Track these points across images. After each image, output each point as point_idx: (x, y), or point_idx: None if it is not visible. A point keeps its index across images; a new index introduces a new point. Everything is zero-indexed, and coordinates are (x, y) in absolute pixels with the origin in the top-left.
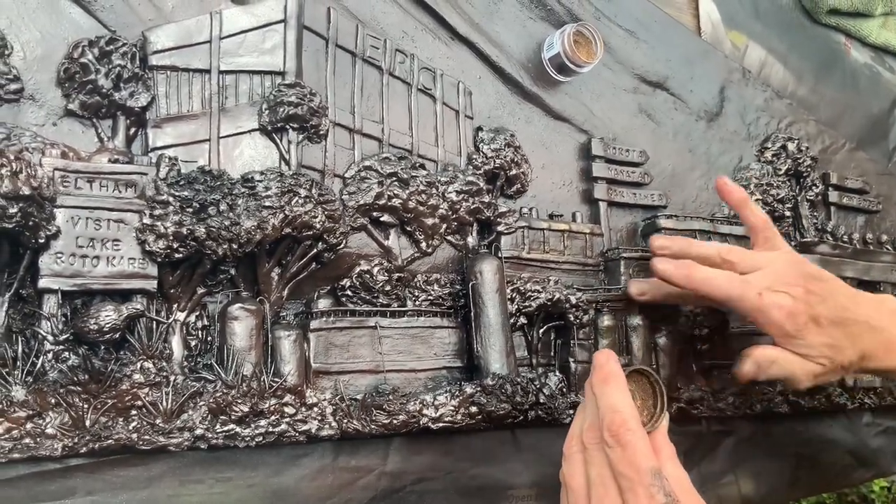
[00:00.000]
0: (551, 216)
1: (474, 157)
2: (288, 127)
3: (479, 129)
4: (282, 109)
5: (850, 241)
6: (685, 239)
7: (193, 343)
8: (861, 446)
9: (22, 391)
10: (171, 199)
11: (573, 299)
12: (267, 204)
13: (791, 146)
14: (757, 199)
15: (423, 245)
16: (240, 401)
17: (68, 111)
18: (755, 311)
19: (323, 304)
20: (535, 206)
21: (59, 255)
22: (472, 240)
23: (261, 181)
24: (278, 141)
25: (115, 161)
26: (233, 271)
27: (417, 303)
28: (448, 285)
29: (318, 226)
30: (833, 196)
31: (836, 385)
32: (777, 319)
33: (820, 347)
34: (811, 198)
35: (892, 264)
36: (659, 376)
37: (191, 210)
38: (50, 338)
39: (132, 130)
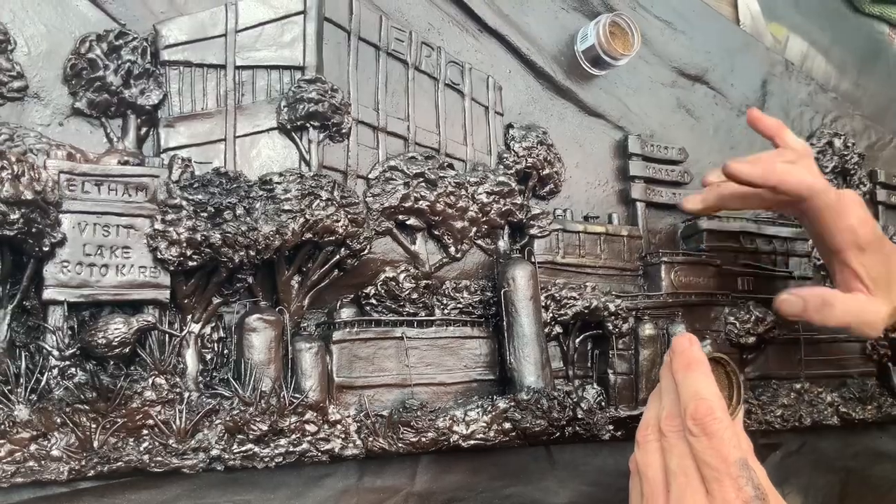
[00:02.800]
0: (586, 218)
1: (505, 155)
2: (308, 125)
3: (510, 126)
4: (301, 106)
5: None
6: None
7: (209, 357)
8: None
9: (25, 410)
10: (184, 202)
11: (612, 307)
12: (286, 207)
13: (837, 142)
14: None
15: (452, 250)
16: (258, 419)
17: (75, 110)
18: (834, 204)
19: (346, 313)
20: (569, 208)
21: (65, 263)
22: (503, 244)
23: (279, 183)
24: (298, 140)
25: (125, 163)
26: (250, 280)
27: (446, 311)
28: (478, 292)
29: (340, 230)
30: (881, 194)
31: (886, 395)
32: (852, 221)
33: (877, 267)
34: None
35: None
36: (735, 367)
37: (205, 215)
38: (55, 352)
39: (143, 130)
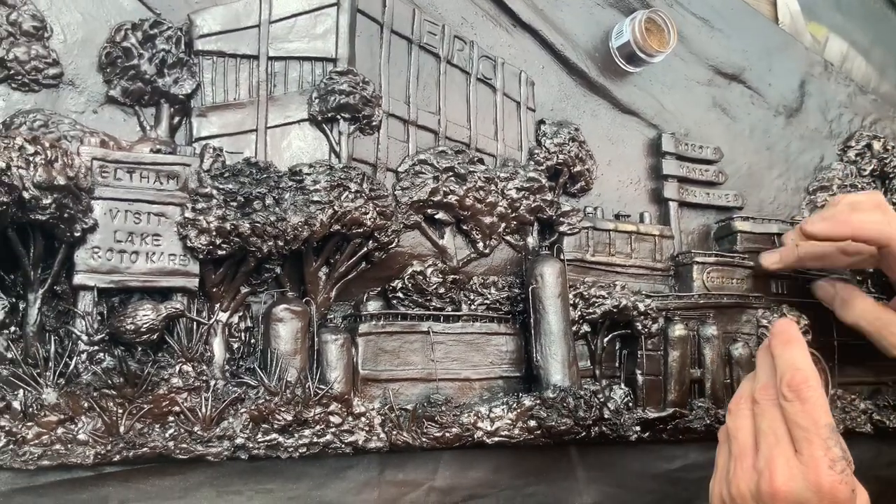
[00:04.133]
0: (617, 216)
1: (536, 151)
2: (339, 117)
3: (542, 122)
4: (333, 98)
5: None
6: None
7: (236, 345)
8: None
9: (54, 394)
10: (214, 192)
11: (641, 306)
12: (315, 199)
13: (877, 145)
14: None
15: (481, 245)
16: (283, 409)
17: (109, 98)
18: None
19: (372, 306)
20: (601, 206)
21: (96, 249)
22: (532, 240)
23: (309, 174)
24: (328, 132)
25: (158, 151)
26: (278, 270)
27: (473, 307)
28: (506, 289)
29: (368, 223)
30: None
31: None
32: None
33: None
34: None
35: None
36: (825, 364)
37: (235, 204)
38: (84, 337)
39: (176, 119)
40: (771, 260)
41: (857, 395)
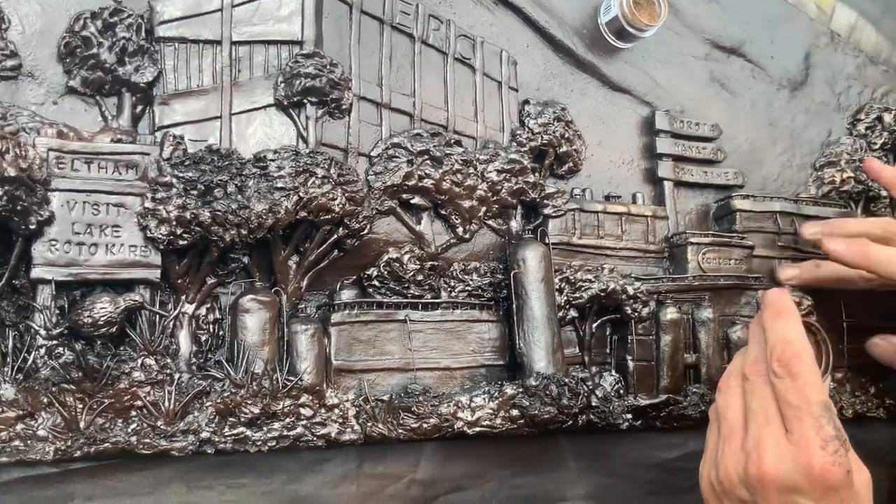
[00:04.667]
0: (607, 198)
1: (519, 132)
2: (306, 101)
3: (526, 102)
4: (298, 82)
5: None
6: (838, 220)
7: (204, 338)
8: None
9: (12, 389)
10: (174, 180)
11: (630, 290)
12: (279, 185)
13: (887, 117)
14: (849, 177)
15: (460, 230)
16: (250, 401)
17: (69, 88)
18: None
19: (346, 295)
20: (590, 187)
21: (54, 242)
22: (515, 224)
23: (273, 160)
24: (296, 117)
25: (119, 141)
26: (246, 260)
27: (453, 294)
28: (488, 275)
29: (337, 209)
30: None
31: None
32: None
33: None
34: None
35: None
36: (825, 335)
37: (196, 192)
38: (43, 332)
39: (138, 108)
40: (789, 275)
41: (869, 378)
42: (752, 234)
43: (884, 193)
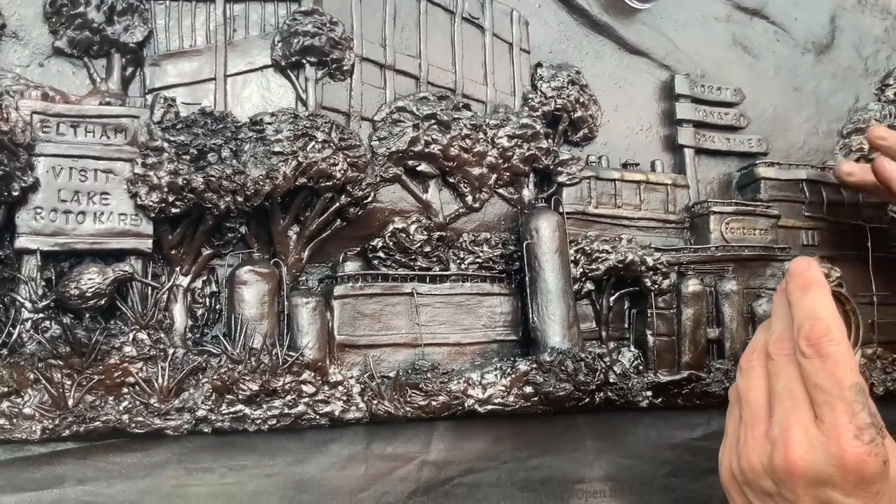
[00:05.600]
0: (625, 165)
1: (531, 96)
2: (305, 62)
3: (539, 65)
4: (296, 41)
5: None
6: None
7: (200, 312)
8: None
9: None
10: (165, 145)
11: (650, 261)
12: (277, 149)
13: None
14: None
15: (469, 199)
16: (248, 377)
17: (56, 49)
18: None
19: (350, 267)
20: (607, 154)
21: (39, 210)
22: (527, 193)
23: (270, 123)
24: (294, 78)
25: (108, 104)
26: (243, 230)
27: (463, 266)
28: (500, 246)
29: (338, 175)
30: None
31: None
32: None
33: None
34: None
35: None
36: (855, 306)
37: (188, 157)
38: (28, 304)
39: (128, 70)
40: (846, 170)
41: None
42: (777, 203)
43: None
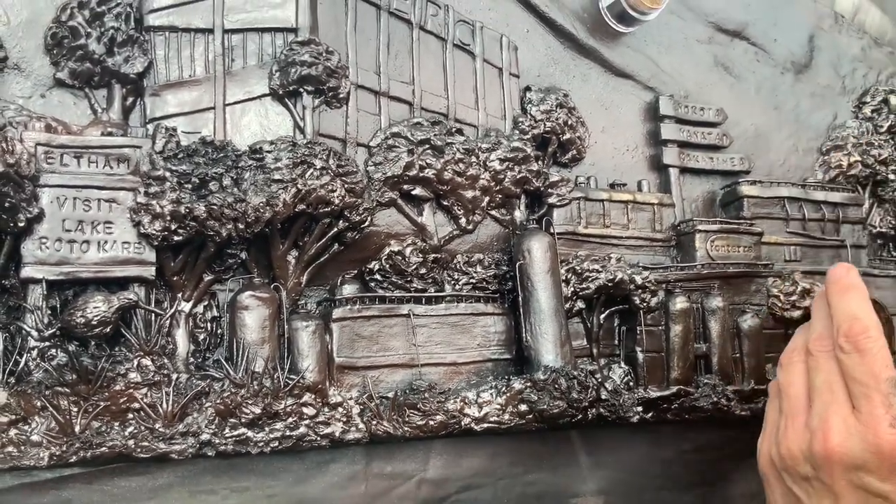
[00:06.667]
0: (612, 185)
1: (521, 120)
2: (302, 90)
3: (528, 88)
4: (294, 70)
5: None
6: None
7: (202, 337)
8: None
9: (4, 393)
10: (167, 174)
11: (639, 279)
12: (276, 177)
13: (894, 100)
14: (856, 161)
15: (463, 221)
16: (250, 401)
17: (57, 80)
18: None
19: (348, 289)
20: (594, 175)
21: (44, 240)
22: (519, 214)
23: (270, 152)
24: (292, 107)
25: (109, 134)
26: (243, 255)
27: (457, 287)
28: (493, 266)
29: (336, 201)
30: None
31: None
32: None
33: None
34: None
35: None
36: (888, 313)
37: (190, 186)
38: (35, 333)
39: (129, 100)
40: None
41: None
42: (760, 220)
43: (891, 177)
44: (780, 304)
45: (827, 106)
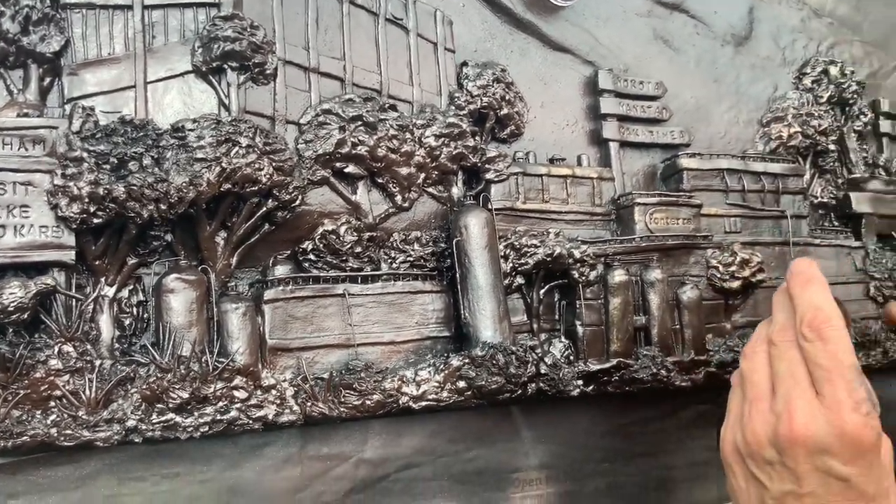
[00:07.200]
0: (552, 160)
1: (457, 95)
2: (226, 67)
3: (464, 64)
4: (217, 46)
5: None
6: None
7: (128, 322)
8: None
9: None
10: (85, 155)
11: (577, 253)
12: (200, 156)
13: (833, 70)
14: (796, 132)
15: (399, 199)
16: (177, 386)
17: None
18: None
19: (281, 270)
20: (534, 151)
21: None
22: (457, 190)
23: (193, 130)
24: (216, 84)
25: (25, 115)
26: (169, 237)
27: (395, 265)
28: (431, 244)
29: (264, 179)
30: (885, 125)
31: (894, 339)
32: None
33: None
34: (859, 128)
35: None
36: (846, 308)
37: (108, 167)
38: None
39: (46, 80)
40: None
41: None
42: (699, 192)
43: (832, 147)
44: (719, 275)
45: (767, 77)
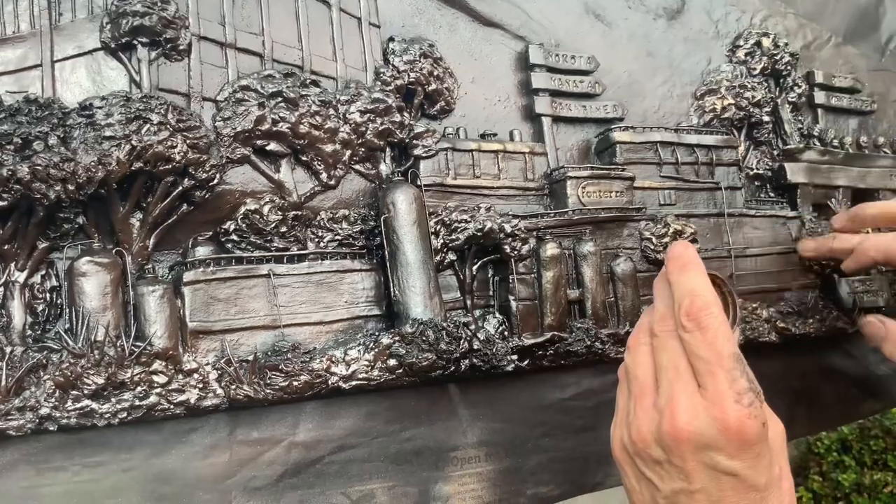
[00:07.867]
0: (483, 136)
1: (382, 71)
2: (136, 42)
3: (391, 39)
4: (125, 21)
5: (841, 146)
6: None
7: (41, 308)
8: (866, 375)
9: None
10: None
11: (508, 228)
12: (108, 134)
13: (766, 42)
14: (730, 104)
15: (324, 176)
16: (92, 371)
17: None
18: None
19: (202, 252)
20: (465, 126)
21: None
22: (385, 167)
23: (101, 108)
24: (126, 61)
25: None
26: (81, 220)
27: (322, 244)
28: (359, 222)
29: (177, 157)
30: (819, 97)
31: (831, 307)
32: None
33: None
34: (793, 99)
35: (891, 169)
36: (731, 287)
37: (12, 147)
38: None
39: None
40: (806, 248)
41: (759, 303)
42: (633, 165)
43: (766, 119)
44: (652, 247)
45: (701, 51)
